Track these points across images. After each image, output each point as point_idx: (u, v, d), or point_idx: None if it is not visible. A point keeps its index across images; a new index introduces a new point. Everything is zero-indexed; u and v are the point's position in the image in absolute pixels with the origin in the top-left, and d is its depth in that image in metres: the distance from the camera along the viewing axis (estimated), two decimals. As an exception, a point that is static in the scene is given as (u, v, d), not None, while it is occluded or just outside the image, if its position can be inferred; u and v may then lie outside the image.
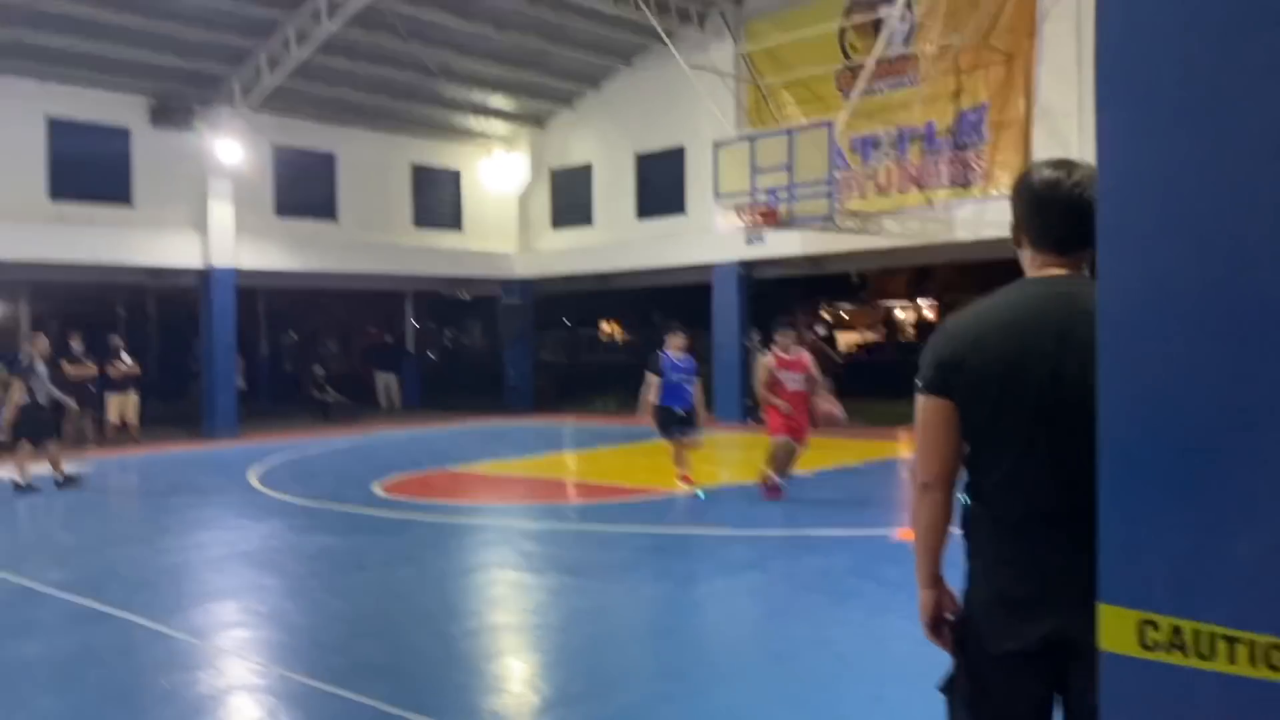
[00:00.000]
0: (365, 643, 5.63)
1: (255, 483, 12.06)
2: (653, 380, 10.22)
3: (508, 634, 5.85)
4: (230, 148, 16.94)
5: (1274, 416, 1.59)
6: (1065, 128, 14.04)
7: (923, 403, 2.32)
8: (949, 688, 2.39)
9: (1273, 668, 1.61)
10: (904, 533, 7.59)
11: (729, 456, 14.59)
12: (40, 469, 11.50)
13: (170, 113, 16.75)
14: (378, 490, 11.17)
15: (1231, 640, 1.65)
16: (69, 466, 12.09)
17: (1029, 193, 2.28)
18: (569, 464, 14.13)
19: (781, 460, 9.85)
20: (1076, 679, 2.17)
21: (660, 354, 10.36)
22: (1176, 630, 1.71)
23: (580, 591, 6.76)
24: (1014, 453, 2.19)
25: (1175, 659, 1.71)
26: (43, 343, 11.94)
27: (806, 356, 10.16)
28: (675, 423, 10.29)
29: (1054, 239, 2.25)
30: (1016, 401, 2.18)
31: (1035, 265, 2.30)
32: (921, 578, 2.39)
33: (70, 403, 12.84)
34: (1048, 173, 2.25)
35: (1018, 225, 2.33)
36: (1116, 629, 1.79)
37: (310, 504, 10.43)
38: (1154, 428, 1.73)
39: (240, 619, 6.19)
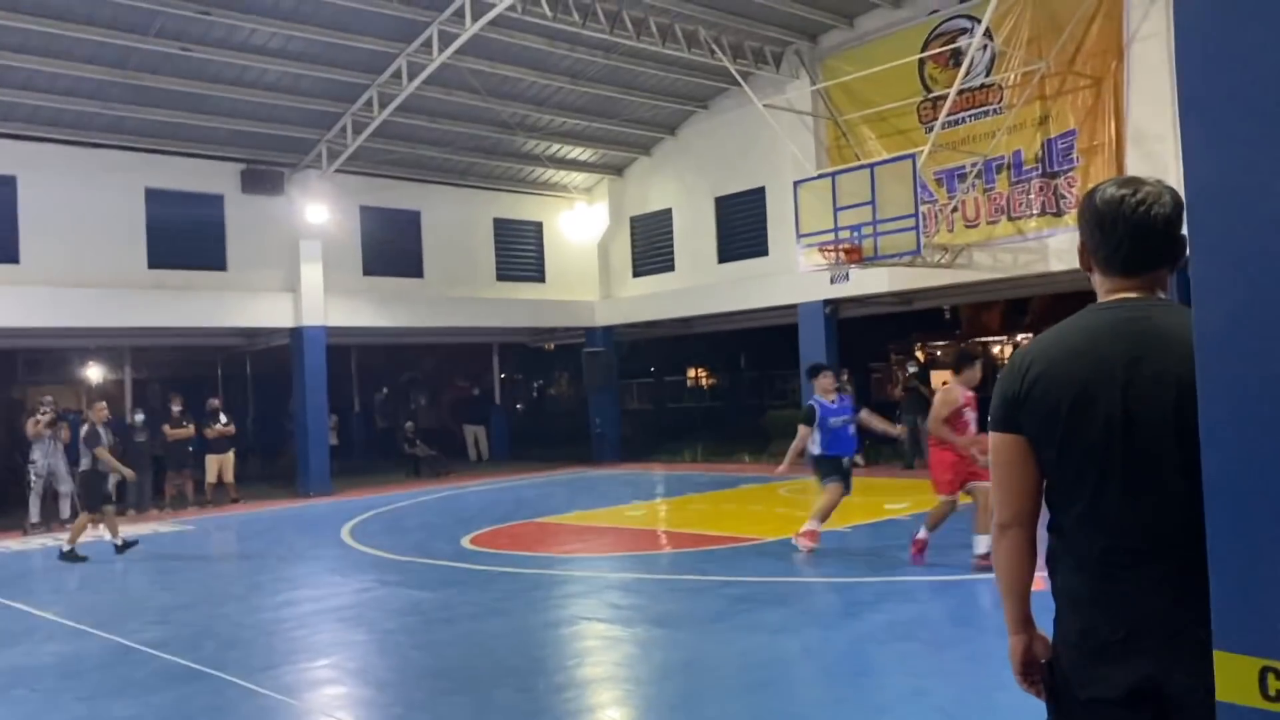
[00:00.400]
0: (452, 700, 5.57)
1: (348, 538, 12.20)
2: (804, 432, 9.39)
3: (596, 688, 5.72)
4: (318, 210, 17.43)
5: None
6: (1160, 150, 13.58)
7: (994, 440, 2.24)
8: None
9: None
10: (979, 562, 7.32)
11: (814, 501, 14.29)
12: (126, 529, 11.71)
13: (260, 178, 17.35)
14: (466, 543, 11.19)
15: (1363, 689, 1.49)
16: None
17: (1092, 213, 2.17)
18: (657, 512, 13.98)
19: (939, 519, 8.62)
20: None
21: (813, 403, 9.48)
22: (1302, 678, 1.56)
23: (670, 644, 6.61)
24: (1089, 486, 2.08)
25: (1301, 711, 1.55)
26: (103, 409, 11.90)
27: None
28: (841, 473, 9.45)
29: (1120, 260, 2.14)
30: (1085, 433, 2.07)
31: (1104, 289, 2.20)
32: (1010, 622, 2.28)
33: (127, 472, 12.52)
34: (1111, 191, 2.15)
35: (1084, 249, 2.23)
36: (1235, 678, 1.64)
37: (400, 558, 10.49)
38: (1265, 457, 1.57)
39: (329, 676, 6.19)
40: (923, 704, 4.96)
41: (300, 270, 17.67)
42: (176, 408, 16.68)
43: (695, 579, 8.53)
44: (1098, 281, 2.21)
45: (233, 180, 17.32)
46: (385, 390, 31.77)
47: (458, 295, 20.07)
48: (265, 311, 17.55)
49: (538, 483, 18.33)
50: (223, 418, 17.00)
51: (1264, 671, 1.61)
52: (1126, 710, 2.04)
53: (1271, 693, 1.59)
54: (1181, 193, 1.88)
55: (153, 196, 16.54)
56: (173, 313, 16.45)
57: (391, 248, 19.38)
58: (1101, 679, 2.06)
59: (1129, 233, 2.11)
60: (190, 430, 16.59)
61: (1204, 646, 1.97)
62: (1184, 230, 2.10)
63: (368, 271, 18.99)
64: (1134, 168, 13.87)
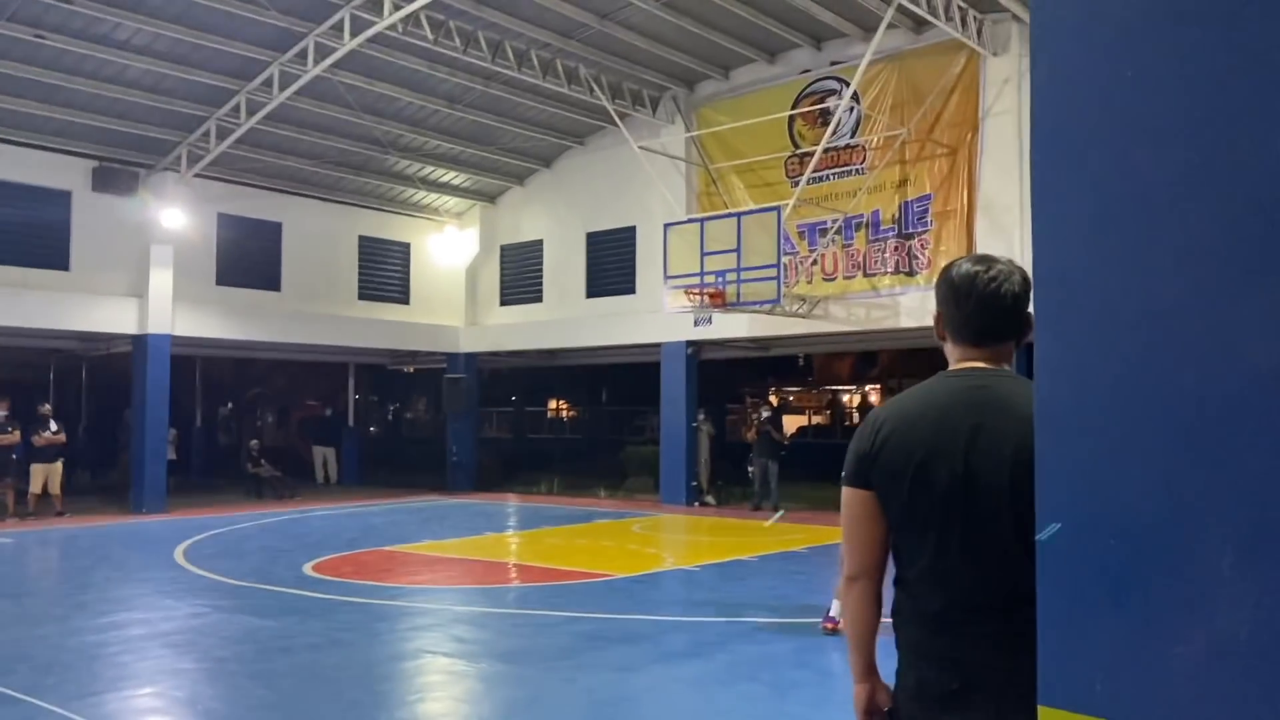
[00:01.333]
0: (285, 732, 5.38)
1: (182, 560, 11.65)
2: None
3: (436, 723, 5.62)
4: (173, 214, 16.75)
5: (1214, 518, 1.57)
6: (1007, 220, 14.41)
7: (845, 495, 2.33)
8: None
9: (1214, 776, 1.56)
10: (829, 624, 7.50)
11: (672, 540, 14.45)
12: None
13: (113, 177, 16.56)
14: (309, 570, 10.84)
15: (1171, 746, 1.60)
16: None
17: (948, 286, 2.30)
18: (509, 545, 13.86)
19: None
20: None
21: None
22: (1115, 734, 1.66)
23: (515, 680, 6.55)
24: (931, 544, 2.18)
25: (1115, 765, 1.66)
26: None
27: None
28: None
29: (971, 332, 2.27)
30: (928, 494, 2.18)
31: (955, 357, 2.32)
32: (855, 671, 2.36)
33: None
34: (966, 267, 2.28)
35: (939, 319, 2.36)
36: (1057, 733, 1.73)
37: (237, 583, 10.07)
38: (1092, 527, 1.69)
39: (154, 705, 5.88)
40: (762, 745, 5.05)
41: (149, 275, 16.88)
42: (2, 412, 15.64)
43: (544, 614, 8.48)
44: (949, 349, 2.34)
45: (83, 177, 16.48)
46: (229, 405, 30.58)
47: (316, 312, 19.54)
48: (108, 316, 16.68)
49: (389, 509, 17.91)
50: (53, 425, 16.05)
51: (1080, 727, 1.70)
52: None
53: (1088, 746, 1.70)
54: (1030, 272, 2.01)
55: (-7, 188, 15.59)
56: (4, 311, 15.43)
57: (249, 258, 18.75)
58: None
59: (980, 307, 2.23)
60: (15, 436, 15.59)
61: (1030, 702, 2.10)
62: (1030, 308, 2.26)
63: (221, 281, 18.31)
64: (983, 233, 14.67)
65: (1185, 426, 1.60)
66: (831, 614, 7.56)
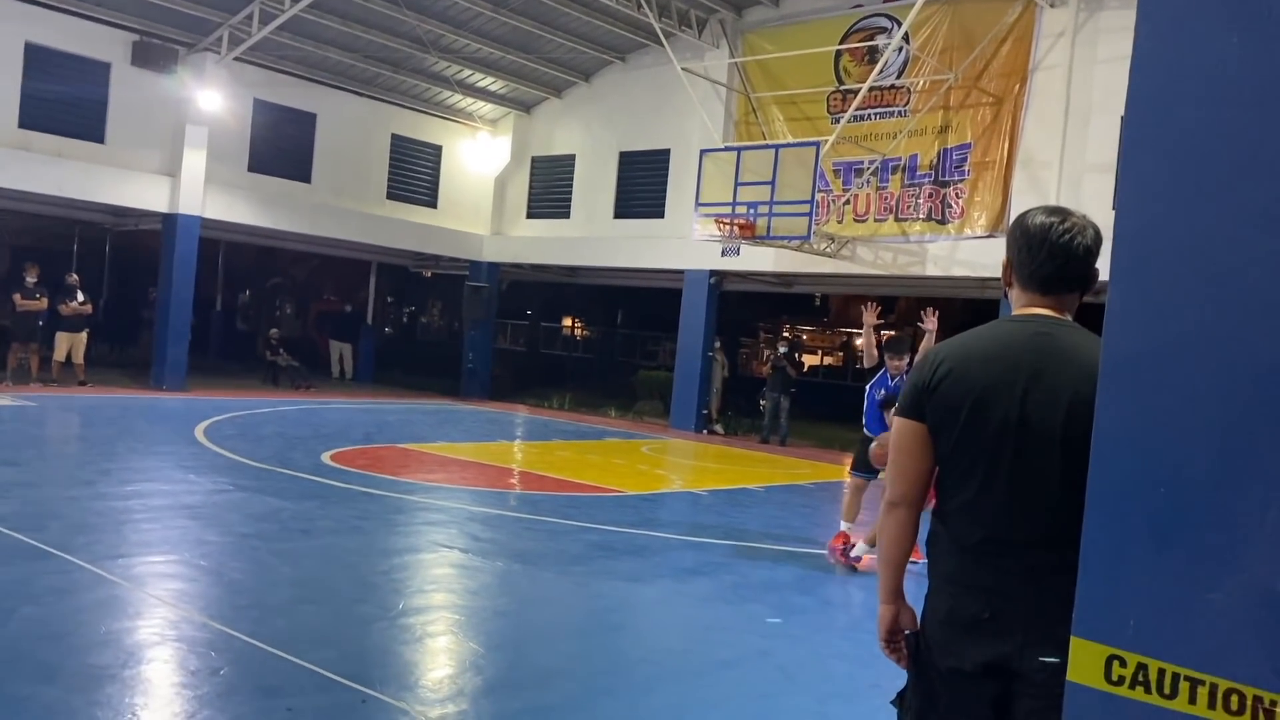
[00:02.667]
0: (310, 608, 5.61)
1: (202, 438, 11.90)
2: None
3: (453, 614, 5.83)
4: (211, 96, 16.70)
5: (1260, 477, 1.66)
6: (1045, 176, 14.30)
7: (898, 424, 2.43)
8: (900, 700, 2.46)
9: (1230, 711, 1.68)
10: (845, 558, 7.68)
11: (681, 463, 14.68)
12: None
13: (153, 53, 16.48)
14: (326, 459, 11.08)
15: (1194, 682, 1.72)
16: (7, 399, 11.82)
17: (1023, 234, 2.37)
18: (522, 454, 14.10)
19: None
20: (1020, 706, 2.25)
21: (886, 379, 7.98)
22: (1142, 668, 1.78)
23: (528, 579, 6.77)
24: (977, 480, 2.28)
25: (1138, 695, 1.78)
26: None
27: None
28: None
29: (1040, 280, 2.35)
30: (981, 431, 2.26)
31: (1020, 303, 2.40)
32: (883, 592, 2.47)
33: None
34: (1042, 218, 2.34)
35: (1009, 265, 2.43)
36: (1085, 662, 1.85)
37: (257, 464, 10.31)
38: (1145, 475, 1.79)
39: (182, 572, 6.11)
40: (766, 663, 5.26)
41: (183, 155, 16.89)
42: (31, 279, 15.81)
43: (557, 521, 8.70)
44: (1015, 295, 2.42)
45: (123, 50, 16.40)
46: (248, 293, 30.77)
47: (345, 207, 19.57)
48: (140, 192, 16.74)
49: (403, 408, 18.16)
50: (80, 295, 16.23)
51: (1110, 659, 1.81)
52: (979, 681, 2.26)
53: (1114, 677, 1.81)
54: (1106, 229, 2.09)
55: (33, 53, 15.53)
56: (39, 178, 15.52)
57: (282, 147, 18.72)
58: (962, 652, 2.27)
59: (1051, 256, 2.31)
60: (43, 303, 15.78)
61: (1055, 634, 2.23)
62: (1097, 262, 2.34)
63: (253, 168, 18.32)
64: (1019, 189, 14.58)
65: (1243, 386, 1.69)
66: (853, 554, 7.67)
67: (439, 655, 5.14)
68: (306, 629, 5.17)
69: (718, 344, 18.93)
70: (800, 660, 5.35)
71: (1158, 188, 1.81)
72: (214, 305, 27.03)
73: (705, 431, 18.09)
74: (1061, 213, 2.34)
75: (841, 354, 32.93)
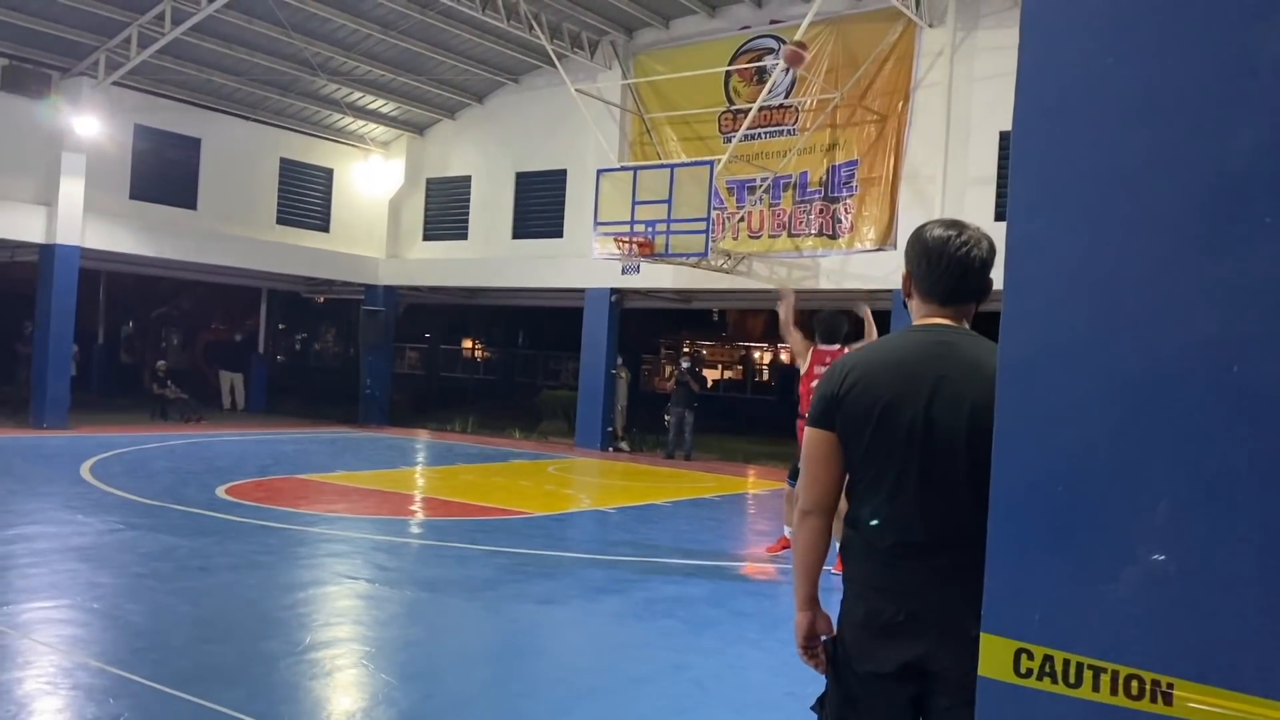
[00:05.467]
0: (213, 648, 5.42)
1: (88, 476, 11.43)
2: None
3: (362, 646, 5.71)
4: (88, 122, 16.11)
5: (1152, 473, 1.76)
6: (929, 191, 14.78)
7: (808, 434, 2.48)
8: (820, 706, 2.51)
9: (1130, 696, 1.76)
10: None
11: (588, 482, 14.66)
12: None
13: (24, 77, 15.82)
14: (221, 493, 10.75)
15: (1097, 670, 1.80)
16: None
17: (922, 248, 2.45)
18: (425, 480, 13.90)
19: None
20: (935, 705, 2.32)
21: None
22: (1048, 659, 1.85)
23: (439, 607, 6.68)
24: (887, 485, 2.34)
25: (1046, 686, 1.85)
26: None
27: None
28: None
29: (940, 292, 2.43)
30: (889, 438, 2.33)
31: (921, 314, 2.48)
32: (799, 599, 2.51)
33: None
34: (940, 231, 2.43)
35: (908, 277, 2.51)
36: (995, 657, 1.92)
37: (149, 501, 9.94)
38: (1043, 473, 1.88)
39: (74, 616, 5.85)
40: (681, 677, 5.29)
41: (59, 183, 16.23)
42: (-106, 315, 14.98)
43: (465, 546, 8.60)
44: (915, 306, 2.51)
45: (-8, 75, 15.71)
46: (132, 324, 29.69)
47: (233, 233, 19.05)
48: (14, 223, 16.02)
49: (299, 438, 17.73)
50: (-51, 332, 15.43)
51: (1018, 652, 1.89)
52: (896, 683, 2.32)
53: (1023, 670, 1.88)
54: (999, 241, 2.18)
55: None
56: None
57: (165, 173, 18.15)
58: (879, 656, 2.33)
59: (951, 269, 2.41)
60: (-92, 342, 14.95)
61: (968, 632, 2.31)
62: (992, 272, 2.44)
63: (136, 195, 17.71)
64: (905, 203, 15.04)
65: (1132, 387, 1.78)
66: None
67: (350, 689, 5.03)
68: (210, 669, 5.01)
69: (620, 361, 19.00)
70: (715, 672, 5.40)
71: (1043, 200, 1.91)
72: (96, 338, 25.98)
73: (611, 449, 18.11)
74: (958, 226, 2.44)
75: (741, 367, 33.40)
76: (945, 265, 2.40)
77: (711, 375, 31.76)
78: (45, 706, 4.42)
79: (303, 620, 6.15)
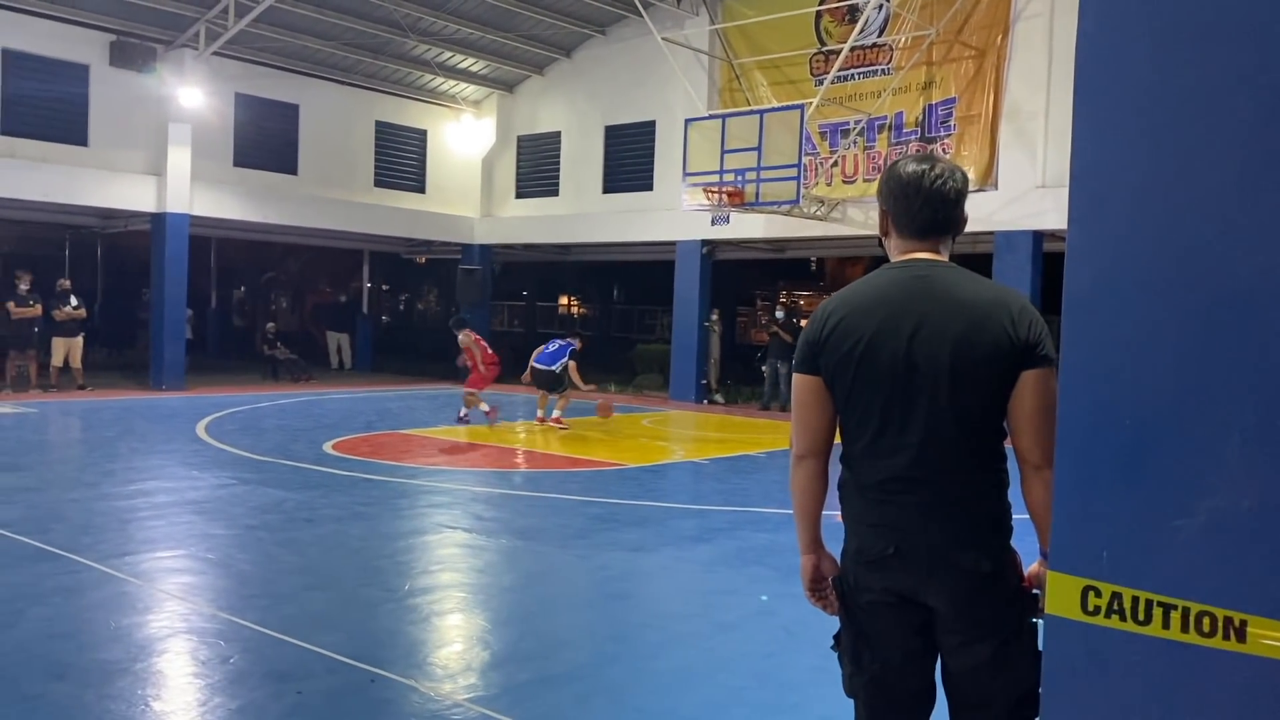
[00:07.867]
0: (316, 594, 5.67)
1: (203, 434, 11.95)
2: None
3: (459, 592, 5.90)
4: (191, 93, 16.64)
5: (1224, 405, 1.70)
6: (1031, 127, 14.26)
7: (796, 380, 2.49)
8: (836, 642, 2.54)
9: (1202, 633, 1.72)
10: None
11: (682, 434, 14.73)
12: None
13: (131, 52, 16.40)
14: (328, 448, 11.13)
15: (1166, 607, 1.76)
16: (8, 407, 11.86)
17: (896, 184, 2.45)
18: (523, 433, 14.15)
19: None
20: (947, 642, 2.37)
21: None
22: (1116, 597, 1.81)
23: (532, 555, 6.83)
24: (874, 422, 2.36)
25: (1114, 623, 1.82)
26: None
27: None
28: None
29: (917, 226, 2.43)
30: (873, 377, 2.35)
31: (899, 250, 2.48)
32: (801, 543, 2.55)
33: None
34: (913, 166, 2.43)
35: (884, 214, 2.51)
36: (1062, 594, 1.89)
37: (259, 458, 10.37)
38: (1110, 409, 1.82)
39: (189, 565, 6.17)
40: (769, 623, 5.32)
41: (167, 154, 16.85)
42: (23, 285, 15.82)
43: (559, 497, 8.76)
44: (892, 243, 2.50)
45: (101, 51, 16.33)
46: (242, 289, 30.77)
47: (332, 197, 19.53)
48: (127, 193, 16.72)
49: (402, 395, 18.22)
50: (73, 300, 16.24)
51: (1086, 589, 1.86)
52: (897, 611, 2.37)
53: (1090, 608, 1.85)
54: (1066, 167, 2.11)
55: (11, 59, 15.49)
56: (25, 184, 15.51)
57: (266, 140, 18.67)
58: (875, 586, 2.37)
59: (925, 202, 2.40)
60: (37, 310, 15.79)
61: (957, 565, 2.30)
62: (966, 204, 2.45)
63: (239, 162, 18.28)
64: (1006, 141, 14.54)
65: (1201, 317, 1.71)
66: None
67: (446, 632, 5.21)
68: (314, 614, 5.23)
69: (715, 314, 18.95)
70: (803, 618, 5.39)
71: (1110, 127, 1.84)
72: (209, 303, 27.05)
73: (705, 402, 18.14)
74: (930, 160, 2.44)
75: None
76: (922, 199, 2.41)
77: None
78: (164, 649, 4.69)
79: (402, 568, 6.37)
